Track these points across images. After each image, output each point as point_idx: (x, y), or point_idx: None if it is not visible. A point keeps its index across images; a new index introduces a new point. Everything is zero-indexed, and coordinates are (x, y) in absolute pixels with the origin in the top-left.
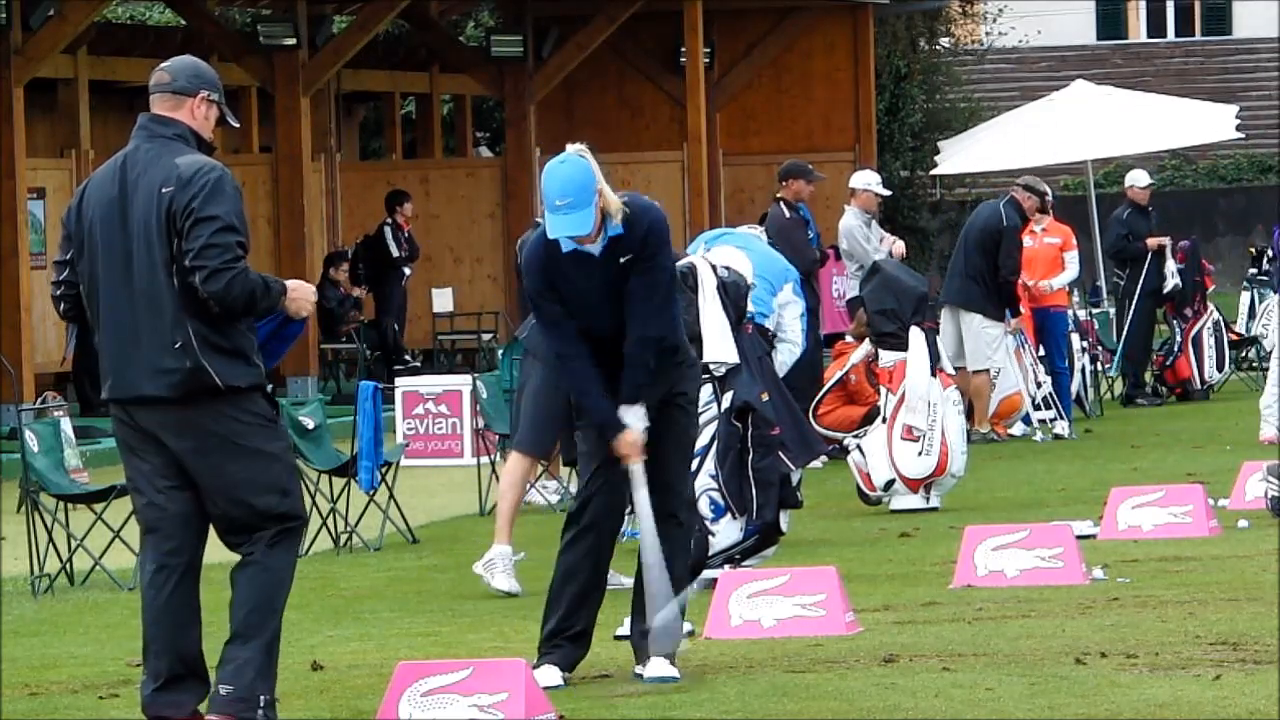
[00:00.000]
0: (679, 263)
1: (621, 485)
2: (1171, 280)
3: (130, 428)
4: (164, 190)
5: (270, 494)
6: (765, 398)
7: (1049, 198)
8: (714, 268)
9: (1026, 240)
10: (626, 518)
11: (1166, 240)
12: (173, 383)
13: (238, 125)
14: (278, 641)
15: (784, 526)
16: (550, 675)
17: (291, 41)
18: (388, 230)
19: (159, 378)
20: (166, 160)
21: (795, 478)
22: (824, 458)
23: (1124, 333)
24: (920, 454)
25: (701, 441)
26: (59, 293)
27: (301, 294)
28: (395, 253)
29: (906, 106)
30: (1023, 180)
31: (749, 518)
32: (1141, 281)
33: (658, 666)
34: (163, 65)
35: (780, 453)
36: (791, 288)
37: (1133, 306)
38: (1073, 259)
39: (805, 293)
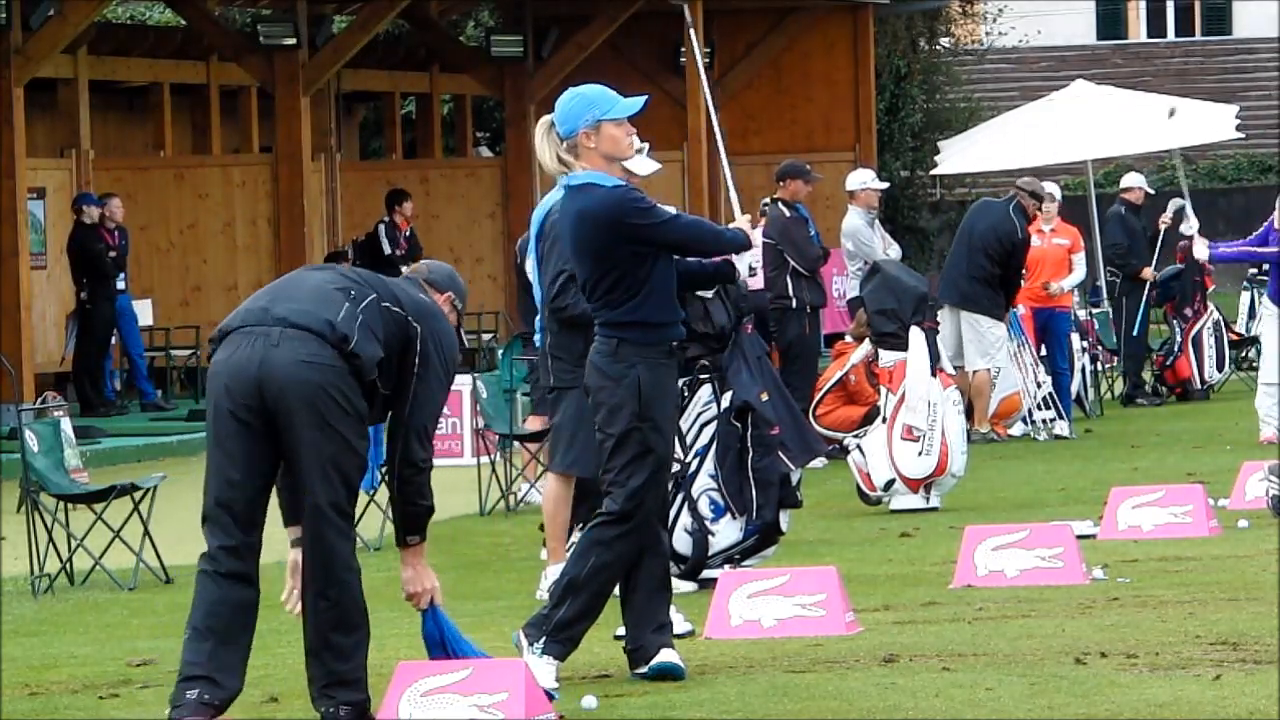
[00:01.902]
0: None
1: (664, 487)
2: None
3: (231, 394)
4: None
5: (343, 485)
6: (765, 398)
7: (1055, 199)
8: None
9: (1034, 240)
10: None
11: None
12: (329, 312)
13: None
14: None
15: (784, 526)
16: (547, 674)
17: (291, 41)
18: (381, 229)
19: (304, 303)
20: (409, 288)
21: (795, 478)
22: (824, 458)
23: (1132, 332)
24: (920, 454)
25: (701, 441)
26: None
27: (415, 585)
28: (388, 251)
29: (906, 106)
30: (1026, 185)
31: (749, 518)
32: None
33: (665, 655)
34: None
35: (780, 453)
36: None
37: (1140, 305)
38: (1080, 261)
39: (810, 290)
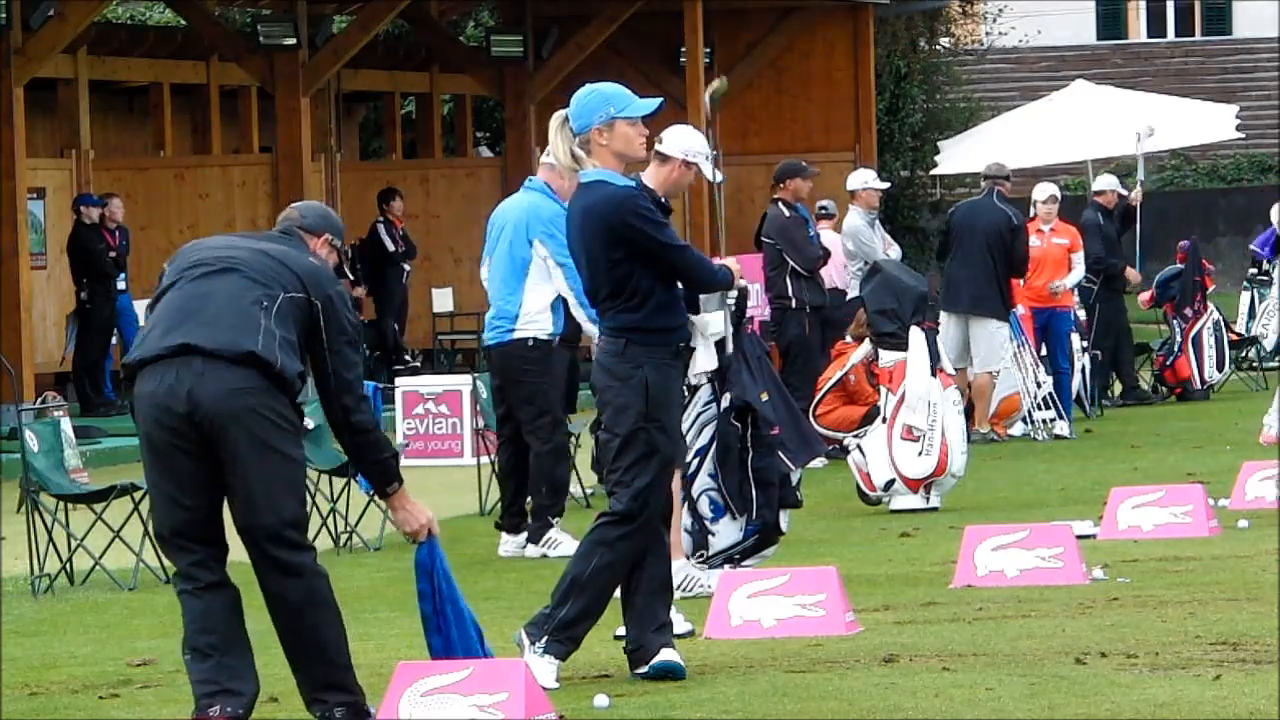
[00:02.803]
0: None
1: (669, 488)
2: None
3: (165, 428)
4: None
5: (293, 499)
6: (765, 398)
7: (1056, 200)
8: None
9: (1034, 240)
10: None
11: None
12: (248, 340)
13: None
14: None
15: (784, 526)
16: (548, 674)
17: (291, 41)
18: (381, 228)
19: (224, 330)
20: (296, 255)
21: (795, 478)
22: (824, 458)
23: (1108, 337)
24: (920, 454)
25: (701, 441)
26: None
27: (412, 524)
28: (391, 248)
29: (906, 106)
30: (994, 171)
31: (749, 518)
32: (1115, 286)
33: (666, 655)
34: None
35: (780, 453)
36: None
37: (1117, 313)
38: (1079, 260)
39: (810, 290)
